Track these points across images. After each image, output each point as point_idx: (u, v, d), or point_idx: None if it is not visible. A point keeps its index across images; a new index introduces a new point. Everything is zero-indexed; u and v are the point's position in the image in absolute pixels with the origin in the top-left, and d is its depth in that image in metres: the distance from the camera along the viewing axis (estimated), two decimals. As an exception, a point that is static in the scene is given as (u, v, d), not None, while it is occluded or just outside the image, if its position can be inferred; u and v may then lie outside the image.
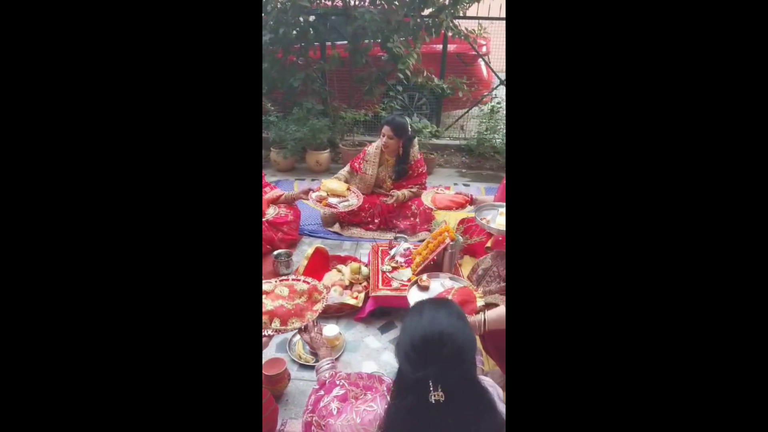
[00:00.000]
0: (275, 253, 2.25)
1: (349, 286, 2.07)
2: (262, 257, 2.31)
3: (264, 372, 1.50)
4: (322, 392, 1.09)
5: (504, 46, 4.08)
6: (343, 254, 2.35)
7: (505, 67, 4.05)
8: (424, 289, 1.74)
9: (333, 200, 2.44)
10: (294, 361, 1.70)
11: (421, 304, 0.95)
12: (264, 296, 1.45)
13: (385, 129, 2.54)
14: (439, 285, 1.74)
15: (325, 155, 3.58)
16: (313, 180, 3.44)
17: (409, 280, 1.87)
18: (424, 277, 1.77)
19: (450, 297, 1.61)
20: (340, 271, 2.15)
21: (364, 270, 2.12)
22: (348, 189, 2.53)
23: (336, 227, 2.67)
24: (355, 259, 2.26)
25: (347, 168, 2.72)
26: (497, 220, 1.83)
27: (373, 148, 2.69)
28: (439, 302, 0.97)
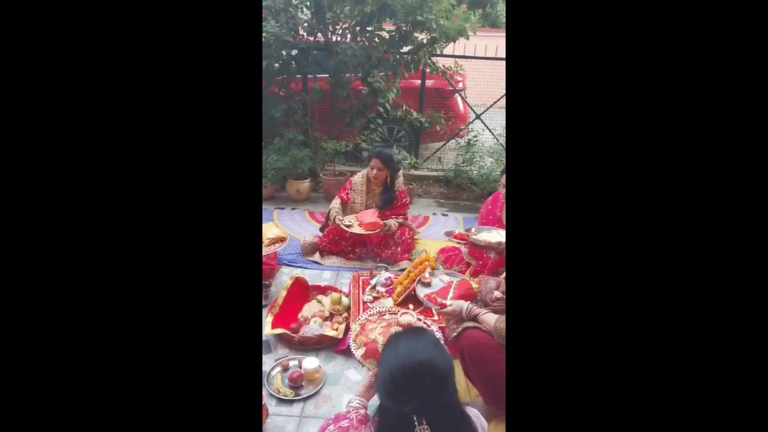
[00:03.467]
0: (254, 283, 2.21)
1: (329, 317, 2.04)
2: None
3: (241, 408, 1.45)
4: (332, 420, 1.09)
5: (479, 83, 4.29)
6: (323, 284, 2.33)
7: (480, 102, 4.24)
8: (427, 285, 1.86)
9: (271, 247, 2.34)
10: (272, 396, 1.64)
11: (396, 337, 0.96)
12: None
13: (374, 161, 2.59)
14: (438, 281, 1.81)
15: (305, 184, 3.59)
16: (293, 209, 3.43)
17: (389, 310, 1.86)
18: (426, 274, 1.84)
19: (451, 290, 1.65)
20: (320, 301, 2.12)
21: (345, 300, 2.10)
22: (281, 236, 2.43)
23: (316, 256, 2.65)
24: (335, 289, 2.24)
25: (337, 201, 2.74)
26: (482, 235, 1.92)
27: (359, 177, 2.73)
28: (415, 333, 0.97)
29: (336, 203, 2.74)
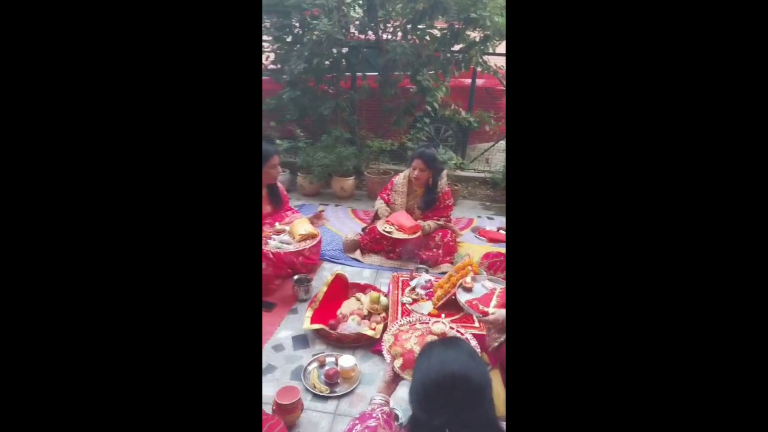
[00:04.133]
0: (295, 277, 2.25)
1: (368, 316, 2.03)
2: (283, 281, 2.31)
3: (278, 400, 1.47)
4: (357, 420, 1.07)
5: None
6: (362, 282, 2.33)
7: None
8: (468, 290, 1.80)
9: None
10: (308, 391, 1.66)
11: (429, 347, 0.92)
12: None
13: (416, 162, 2.54)
14: (481, 287, 1.81)
15: (350, 182, 3.62)
16: (336, 205, 3.46)
17: (429, 314, 1.82)
18: (468, 279, 1.79)
19: (494, 298, 1.60)
20: (359, 299, 2.12)
21: (384, 300, 2.09)
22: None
23: (357, 254, 2.66)
24: (374, 288, 2.23)
25: (381, 202, 2.72)
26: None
27: (401, 178, 2.70)
28: (449, 342, 0.94)
29: (381, 204, 2.72)
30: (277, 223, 2.38)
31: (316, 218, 2.52)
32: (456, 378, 0.81)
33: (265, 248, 2.17)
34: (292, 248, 2.25)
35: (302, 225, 2.34)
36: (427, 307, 1.99)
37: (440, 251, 2.57)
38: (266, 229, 2.34)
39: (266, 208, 2.43)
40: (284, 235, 2.32)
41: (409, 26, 3.45)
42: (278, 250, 2.20)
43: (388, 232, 2.48)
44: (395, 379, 1.31)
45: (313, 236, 2.33)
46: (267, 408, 1.51)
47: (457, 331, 1.67)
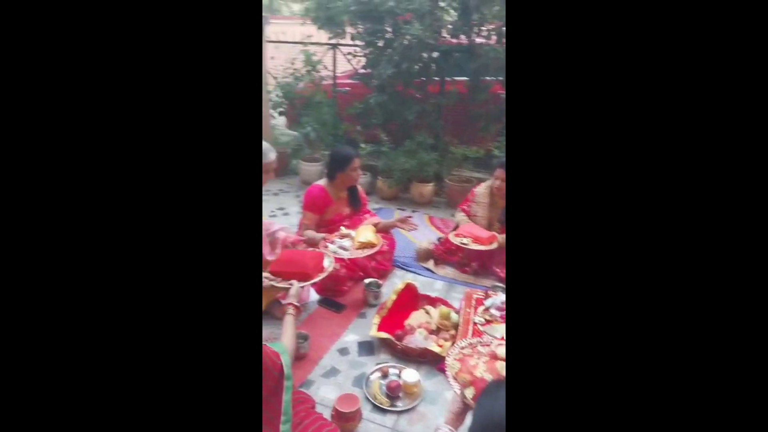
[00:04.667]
0: (366, 281, 2.25)
1: (436, 331, 1.95)
2: (355, 283, 2.33)
3: (337, 407, 1.47)
4: None
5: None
6: (433, 295, 2.25)
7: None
8: None
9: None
10: (368, 400, 1.64)
11: (495, 387, 0.83)
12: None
13: (499, 172, 2.40)
14: None
15: (429, 188, 3.56)
16: (414, 211, 3.42)
17: (502, 338, 1.69)
18: None
19: None
20: (428, 312, 2.05)
21: (454, 316, 1.99)
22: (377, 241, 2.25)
23: (430, 264, 2.59)
24: (445, 303, 2.14)
25: (462, 215, 2.60)
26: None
27: (482, 188, 2.57)
28: None
29: (462, 216, 2.60)
30: (342, 227, 2.33)
31: (402, 222, 2.42)
32: None
33: (323, 251, 2.12)
34: (347, 255, 2.16)
35: (364, 233, 2.24)
36: (501, 330, 1.86)
37: (520, 270, 2.39)
38: (331, 234, 2.30)
39: (345, 210, 2.47)
40: (346, 240, 2.24)
41: (504, 29, 3.28)
42: (334, 255, 2.12)
43: (465, 244, 2.35)
44: (465, 410, 1.22)
45: (372, 245, 2.19)
46: (326, 411, 1.51)
47: None
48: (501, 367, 1.46)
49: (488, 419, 0.77)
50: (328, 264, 1.95)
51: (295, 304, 1.56)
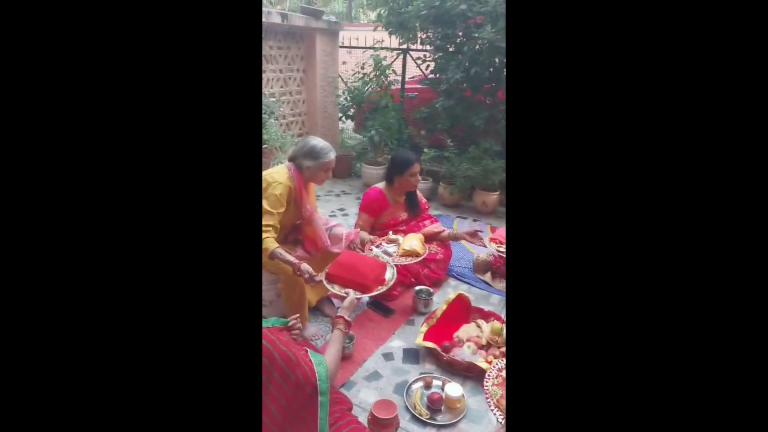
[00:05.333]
0: (417, 288, 2.20)
1: (486, 347, 1.85)
2: (405, 289, 2.29)
3: (374, 412, 1.44)
4: None
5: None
6: (487, 308, 2.14)
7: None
8: None
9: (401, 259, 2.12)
10: (407, 409, 1.59)
11: None
12: None
13: None
14: None
15: (493, 197, 3.42)
16: (475, 220, 3.31)
17: None
18: None
19: None
20: (479, 326, 1.95)
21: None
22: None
23: (487, 276, 2.47)
24: (499, 318, 2.02)
25: None
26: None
27: None
28: None
29: None
30: (390, 232, 2.29)
31: (470, 236, 2.30)
32: None
33: (367, 253, 2.09)
34: (388, 260, 2.06)
35: (410, 241, 2.17)
36: (558, 353, 1.71)
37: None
38: (380, 237, 2.27)
39: (402, 215, 2.45)
40: (393, 245, 2.19)
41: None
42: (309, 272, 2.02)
43: (501, 253, 2.21)
44: None
45: (416, 254, 2.11)
46: (364, 415, 1.50)
47: None
48: None
49: None
50: (390, 276, 1.84)
51: (347, 318, 1.49)
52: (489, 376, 1.36)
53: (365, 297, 1.71)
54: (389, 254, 2.14)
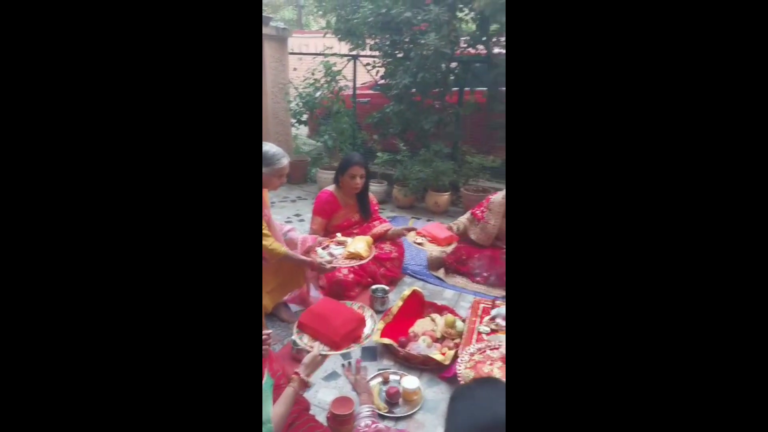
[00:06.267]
0: (372, 287, 2.24)
1: (440, 339, 1.92)
2: (363, 290, 2.33)
3: (332, 410, 1.46)
4: None
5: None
6: (441, 303, 2.22)
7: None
8: None
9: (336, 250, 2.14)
10: (366, 406, 1.62)
11: (466, 388, 0.80)
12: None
13: None
14: None
15: (444, 197, 3.54)
16: (428, 220, 3.41)
17: (488, 345, 1.64)
18: None
19: None
20: (433, 320, 2.02)
21: (459, 325, 1.95)
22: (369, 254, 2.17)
23: (441, 273, 2.56)
24: (452, 311, 2.10)
25: (468, 215, 2.60)
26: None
27: (500, 197, 2.52)
28: (488, 382, 0.80)
29: (465, 218, 2.57)
30: (338, 234, 2.30)
31: (407, 230, 2.45)
32: (499, 422, 0.69)
33: (313, 258, 2.06)
34: (331, 262, 2.06)
35: (356, 243, 2.16)
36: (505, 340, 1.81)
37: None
38: (327, 239, 2.27)
39: (354, 217, 2.48)
40: (340, 247, 2.19)
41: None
42: (321, 261, 2.05)
43: (419, 244, 2.31)
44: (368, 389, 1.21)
45: (360, 257, 2.10)
46: (322, 415, 1.51)
47: None
48: (470, 380, 1.42)
49: (463, 422, 0.74)
50: (370, 329, 1.60)
51: (304, 378, 1.28)
52: (461, 361, 1.45)
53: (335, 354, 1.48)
54: (334, 256, 2.14)
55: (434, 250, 2.59)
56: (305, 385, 1.29)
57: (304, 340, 1.51)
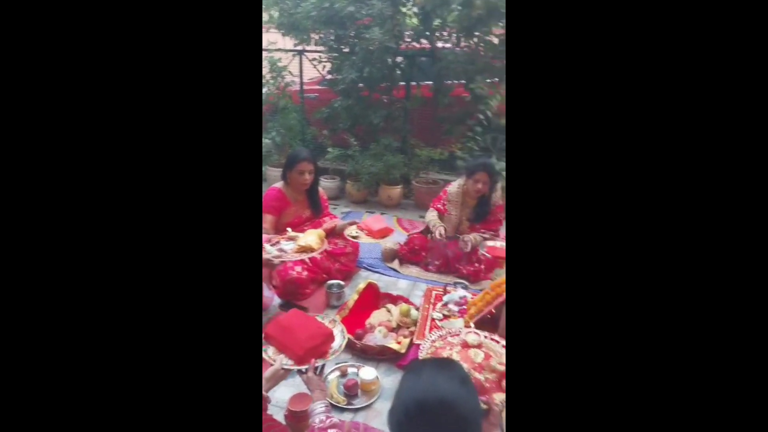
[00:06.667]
0: (327, 283, 2.24)
1: (396, 329, 1.96)
2: (318, 286, 2.32)
3: (289, 407, 1.45)
4: None
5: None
6: (396, 293, 2.26)
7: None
8: None
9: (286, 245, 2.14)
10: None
11: (420, 364, 0.84)
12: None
13: (481, 175, 2.37)
14: None
15: (397, 190, 3.59)
16: (382, 213, 3.44)
17: (449, 332, 1.71)
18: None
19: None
20: (389, 311, 2.06)
21: (414, 313, 2.00)
22: (321, 246, 2.19)
23: (395, 264, 2.60)
24: (406, 300, 2.15)
25: (434, 213, 2.60)
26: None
27: (455, 188, 2.58)
28: (442, 363, 0.84)
29: (434, 215, 2.60)
30: (289, 229, 2.29)
31: (350, 224, 2.45)
32: (444, 403, 0.73)
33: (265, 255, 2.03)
34: (279, 257, 2.05)
35: (307, 236, 2.15)
36: (458, 324, 1.87)
37: (482, 266, 2.43)
38: (276, 236, 2.24)
39: (305, 213, 2.46)
40: (291, 243, 2.16)
41: (462, 34, 3.36)
42: (269, 257, 2.03)
43: (354, 237, 2.33)
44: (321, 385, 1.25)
45: (311, 249, 2.11)
46: (280, 413, 1.49)
47: (492, 338, 1.56)
48: (474, 354, 1.48)
49: (410, 397, 0.77)
50: (339, 344, 1.52)
51: (264, 393, 1.22)
52: (422, 348, 1.49)
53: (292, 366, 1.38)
54: (284, 251, 2.11)
55: (378, 243, 2.56)
56: (264, 400, 1.22)
57: (269, 353, 1.43)
